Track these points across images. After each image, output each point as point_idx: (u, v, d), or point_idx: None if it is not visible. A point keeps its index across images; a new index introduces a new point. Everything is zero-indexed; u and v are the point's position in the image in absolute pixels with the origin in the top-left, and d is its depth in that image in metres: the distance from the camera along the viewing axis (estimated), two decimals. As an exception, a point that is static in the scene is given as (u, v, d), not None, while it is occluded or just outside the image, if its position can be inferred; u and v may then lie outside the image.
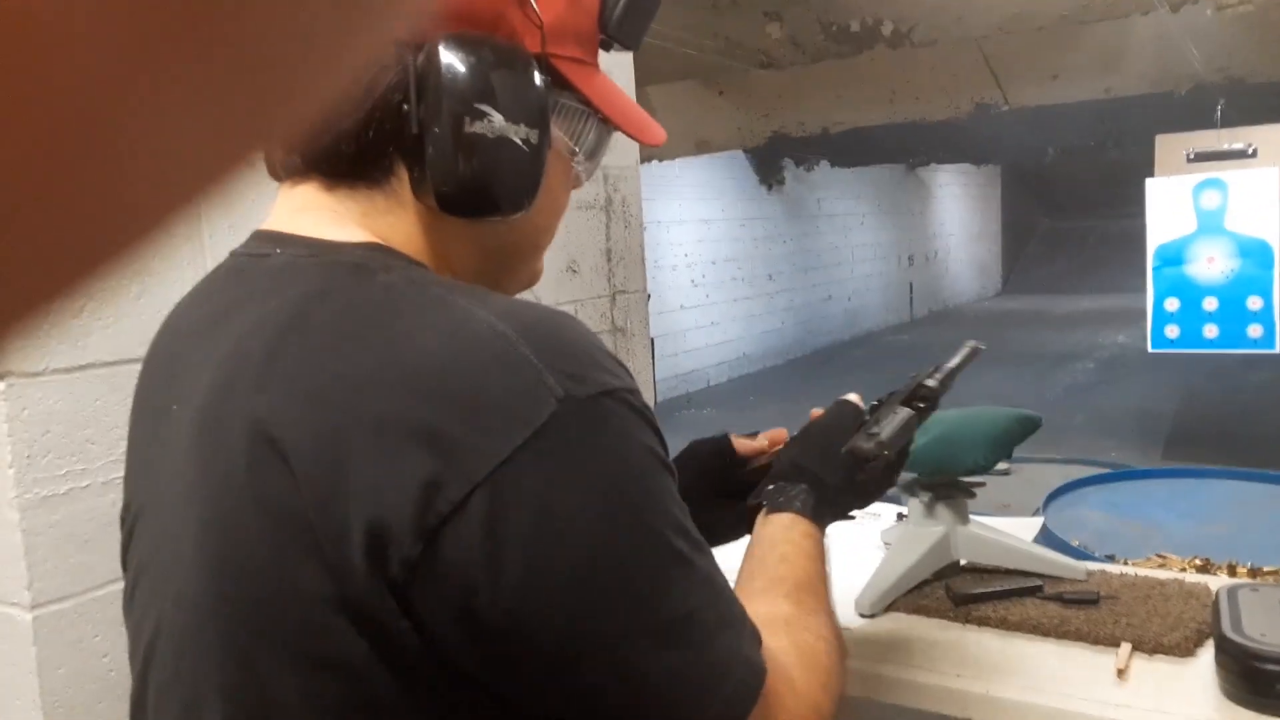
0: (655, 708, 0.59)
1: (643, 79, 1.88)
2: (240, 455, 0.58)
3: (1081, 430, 6.71)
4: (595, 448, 0.57)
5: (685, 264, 9.73)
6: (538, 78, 0.68)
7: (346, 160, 0.67)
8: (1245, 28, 4.00)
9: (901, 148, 10.19)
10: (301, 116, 0.17)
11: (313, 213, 0.68)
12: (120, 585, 1.04)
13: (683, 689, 0.59)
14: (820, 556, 0.85)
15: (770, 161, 10.83)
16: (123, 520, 0.75)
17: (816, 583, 0.81)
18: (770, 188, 11.21)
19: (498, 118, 0.66)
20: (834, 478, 0.92)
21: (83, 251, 0.15)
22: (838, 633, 0.78)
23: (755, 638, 0.64)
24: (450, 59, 0.65)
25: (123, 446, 0.77)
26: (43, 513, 0.97)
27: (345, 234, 0.67)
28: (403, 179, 0.68)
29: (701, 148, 6.62)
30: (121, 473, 0.80)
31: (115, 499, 1.03)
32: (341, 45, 0.16)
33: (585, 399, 0.57)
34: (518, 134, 0.67)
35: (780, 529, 0.86)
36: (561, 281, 1.70)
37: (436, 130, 0.65)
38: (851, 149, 8.86)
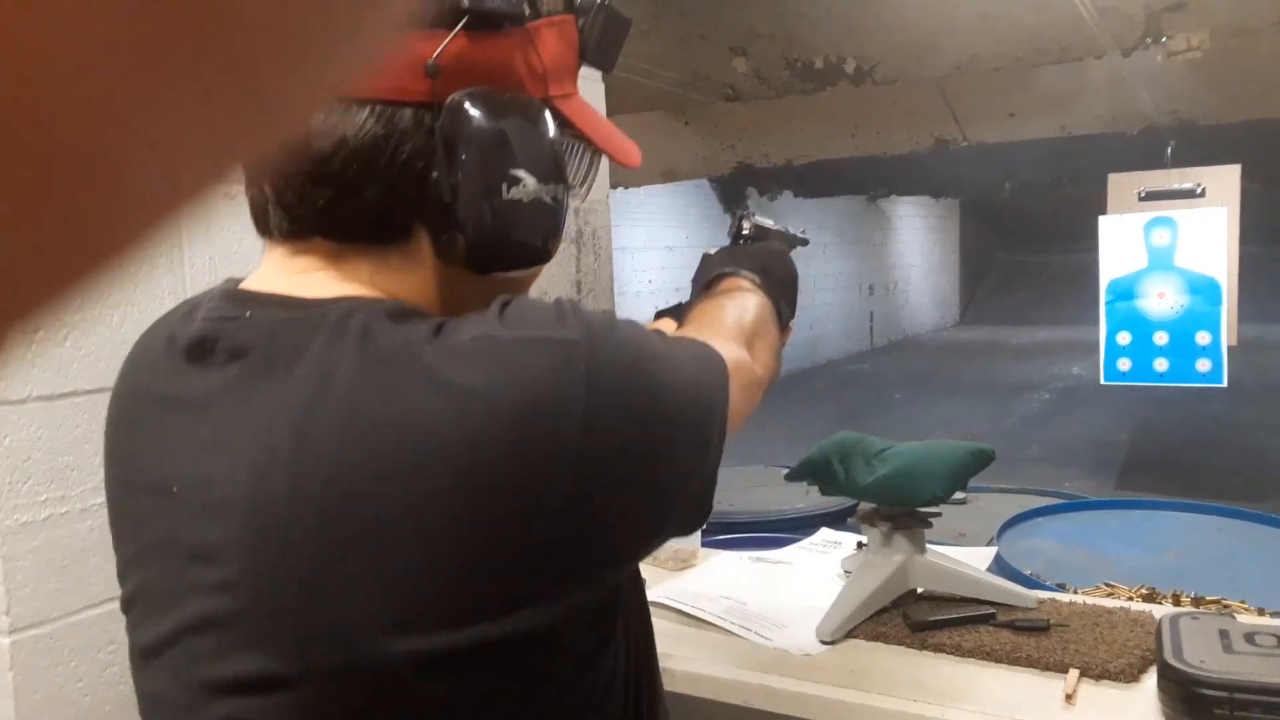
0: None
1: (611, 108, 1.93)
2: (311, 542, 0.58)
3: (1037, 460, 6.83)
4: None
5: (650, 290, 9.78)
6: (552, 128, 0.70)
7: (364, 225, 0.67)
8: (1194, 73, 4.15)
9: (863, 180, 10.35)
10: (288, 131, 0.17)
11: (315, 274, 0.67)
12: (96, 610, 1.05)
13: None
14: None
15: (734, 190, 10.95)
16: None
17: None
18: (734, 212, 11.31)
19: (530, 180, 0.68)
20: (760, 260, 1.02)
21: (68, 260, 0.15)
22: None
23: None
24: (478, 124, 0.65)
25: (101, 474, 0.76)
26: (22, 539, 0.99)
27: (335, 292, 0.65)
28: (423, 240, 0.68)
29: (668, 176, 6.69)
30: (100, 499, 0.81)
31: (93, 525, 1.04)
32: (326, 61, 0.16)
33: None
34: (548, 193, 0.69)
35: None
36: (532, 312, 1.73)
37: (471, 198, 0.66)
38: (814, 180, 8.99)
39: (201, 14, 0.14)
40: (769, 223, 1.15)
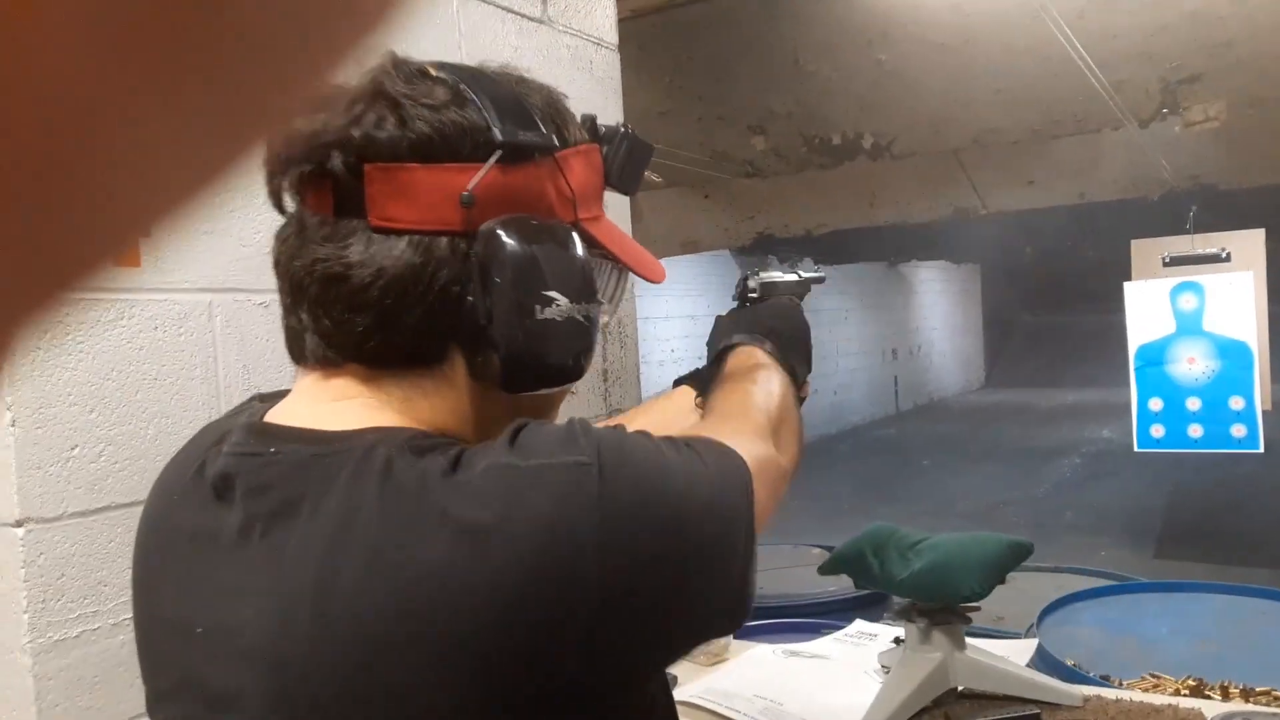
0: None
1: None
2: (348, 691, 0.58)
3: (1071, 528, 6.71)
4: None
5: (673, 359, 9.80)
6: (581, 250, 0.71)
7: (400, 351, 0.67)
8: (1213, 139, 4.17)
9: (883, 247, 10.41)
10: (277, 133, 0.16)
11: (346, 403, 0.67)
12: (127, 729, 1.04)
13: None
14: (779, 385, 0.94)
15: (756, 259, 11.01)
16: None
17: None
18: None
19: (564, 301, 0.69)
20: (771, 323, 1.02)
21: (51, 269, 0.15)
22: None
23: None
24: (512, 249, 0.66)
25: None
26: (54, 656, 0.98)
27: (365, 422, 0.66)
28: (457, 363, 0.69)
29: (688, 248, 6.75)
30: (129, 614, 0.81)
31: (124, 640, 1.04)
32: (316, 65, 0.16)
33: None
34: (580, 312, 0.70)
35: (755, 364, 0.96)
36: (559, 403, 1.73)
37: (507, 321, 0.67)
38: (834, 248, 9.04)
39: (184, 18, 0.14)
40: (776, 275, 1.13)
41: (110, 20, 0.13)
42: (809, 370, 1.03)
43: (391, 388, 0.68)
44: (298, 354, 0.71)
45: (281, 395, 0.73)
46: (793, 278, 1.15)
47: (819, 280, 1.18)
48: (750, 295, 1.11)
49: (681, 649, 0.69)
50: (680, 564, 0.63)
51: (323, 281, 0.66)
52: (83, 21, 0.13)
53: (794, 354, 1.00)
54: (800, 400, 0.97)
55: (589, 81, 1.83)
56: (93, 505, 1.03)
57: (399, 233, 0.65)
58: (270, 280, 0.70)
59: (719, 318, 1.08)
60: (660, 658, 0.68)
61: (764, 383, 0.92)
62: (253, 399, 0.78)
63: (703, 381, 1.02)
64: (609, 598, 0.59)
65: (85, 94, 0.14)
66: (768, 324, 1.02)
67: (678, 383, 1.07)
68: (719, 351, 1.02)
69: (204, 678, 0.64)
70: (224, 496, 0.66)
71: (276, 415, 0.70)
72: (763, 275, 1.13)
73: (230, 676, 0.62)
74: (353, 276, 0.65)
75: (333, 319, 0.66)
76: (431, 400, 0.68)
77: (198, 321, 1.10)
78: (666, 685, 0.77)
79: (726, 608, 0.68)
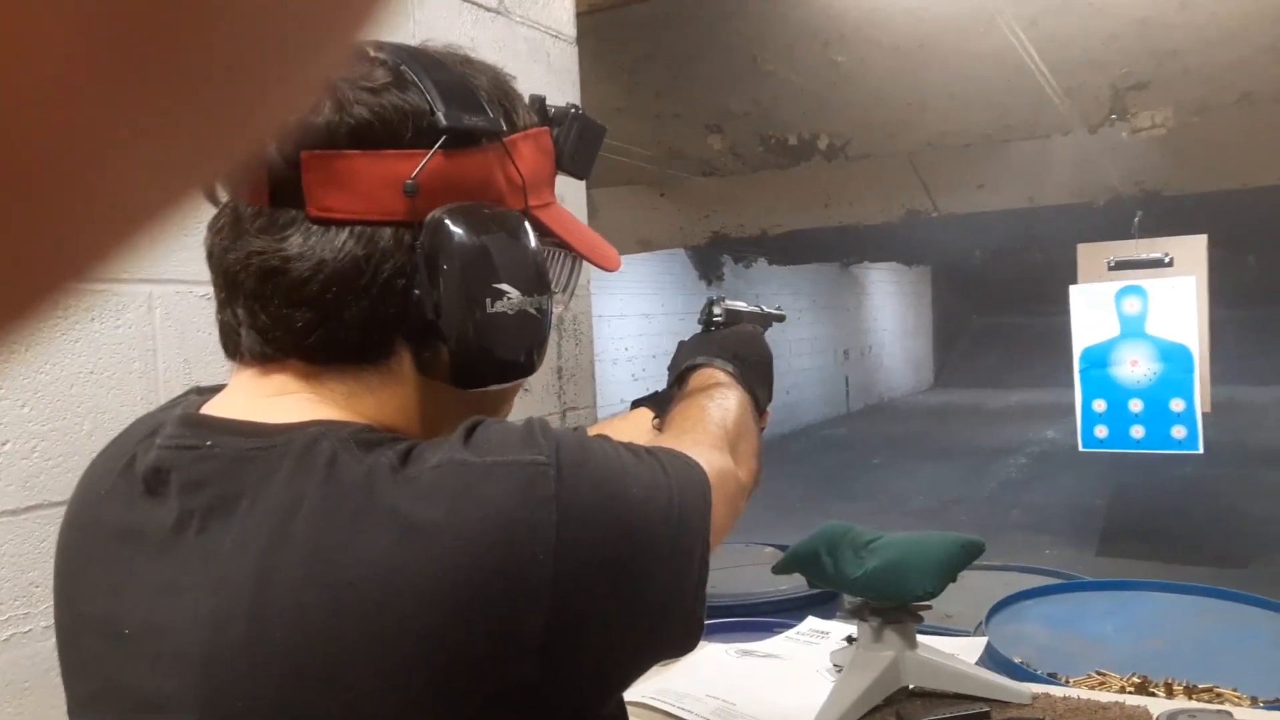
0: None
1: (588, 184, 1.94)
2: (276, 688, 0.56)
3: (1017, 526, 6.82)
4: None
5: (626, 358, 9.79)
6: (533, 240, 0.69)
7: (343, 346, 0.64)
8: (1159, 146, 4.26)
9: (836, 248, 10.51)
10: (247, 155, 0.17)
11: (286, 398, 0.64)
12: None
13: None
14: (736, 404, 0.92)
15: (710, 258, 11.06)
16: None
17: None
18: (710, 283, 11.41)
19: (515, 293, 0.67)
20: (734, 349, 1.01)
21: (29, 275, 0.15)
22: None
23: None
24: (460, 239, 0.64)
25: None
26: (-19, 661, 0.94)
27: (307, 415, 0.63)
28: (403, 359, 0.66)
29: (643, 246, 6.75)
30: None
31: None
32: (287, 89, 0.16)
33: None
34: (532, 305, 0.68)
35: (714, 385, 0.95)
36: (513, 400, 1.71)
37: (456, 315, 0.64)
38: (788, 248, 9.11)
39: (170, 27, 0.14)
40: (740, 305, 1.14)
41: (89, 37, 0.13)
42: (770, 398, 1.02)
43: (334, 384, 0.65)
44: (233, 350, 0.68)
45: (220, 389, 0.70)
46: (756, 309, 1.16)
47: (779, 318, 1.20)
48: (715, 320, 1.11)
49: (637, 664, 0.67)
50: (636, 568, 0.61)
51: (259, 275, 0.63)
52: (63, 36, 0.13)
53: (756, 379, 0.99)
54: (760, 428, 0.96)
55: (546, 74, 1.81)
56: (24, 503, 0.99)
57: (339, 223, 0.62)
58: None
59: (682, 342, 1.07)
60: (616, 673, 0.65)
61: (721, 399, 0.91)
62: (189, 392, 0.75)
63: (661, 404, 1.01)
64: (563, 600, 0.57)
65: (64, 108, 0.13)
66: (731, 348, 1.01)
67: (635, 404, 1.05)
68: (680, 372, 1.01)
69: (131, 681, 0.61)
70: (156, 491, 0.63)
71: (213, 408, 0.66)
72: (728, 302, 1.13)
73: (159, 680, 0.59)
74: (291, 270, 0.62)
75: (270, 314, 0.63)
76: (377, 396, 0.66)
77: (137, 313, 1.07)
78: (622, 705, 0.75)
79: (680, 620, 0.66)
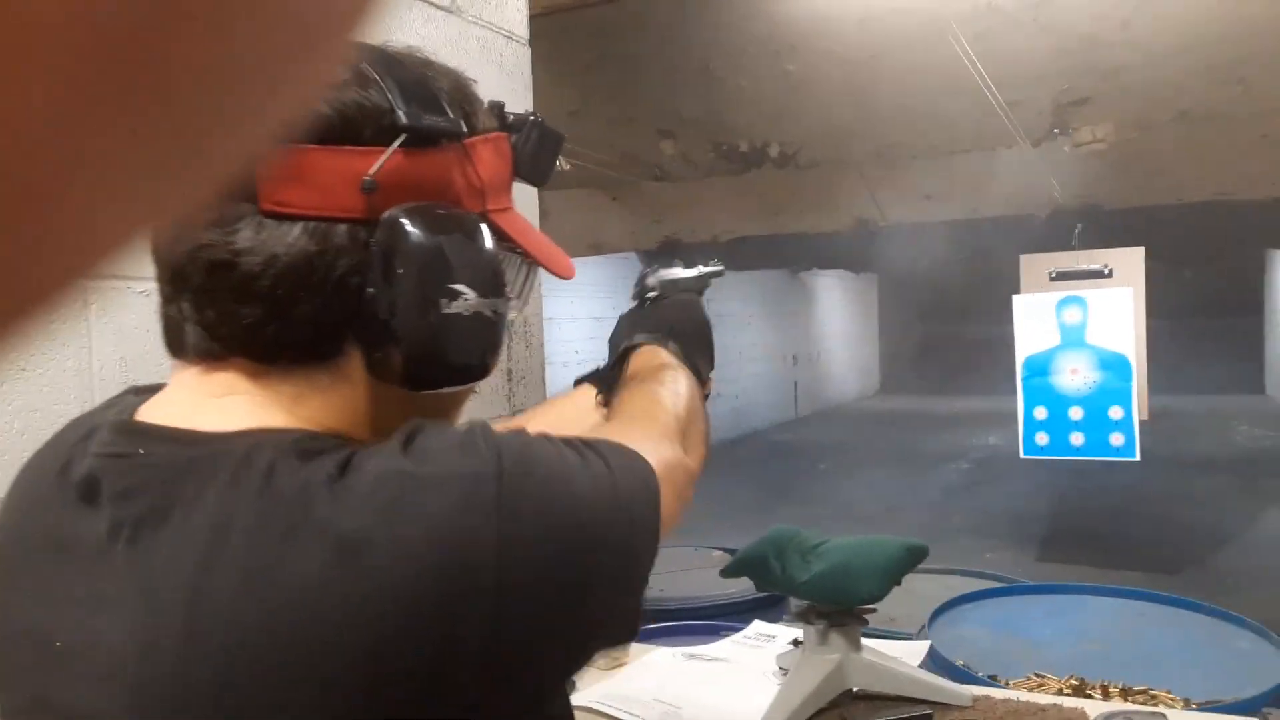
0: None
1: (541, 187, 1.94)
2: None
3: (960, 531, 6.93)
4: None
5: (577, 360, 9.77)
6: (490, 242, 0.68)
7: (291, 345, 0.63)
8: (1099, 160, 4.36)
9: (786, 255, 10.60)
10: (218, 180, 0.16)
11: (228, 400, 0.63)
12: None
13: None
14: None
15: (661, 262, 11.08)
16: None
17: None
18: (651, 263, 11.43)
19: (471, 295, 0.66)
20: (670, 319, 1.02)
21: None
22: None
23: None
24: (416, 239, 0.63)
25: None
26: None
27: (249, 421, 0.61)
28: (353, 359, 0.64)
29: (595, 249, 6.75)
30: None
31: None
32: (259, 109, 0.16)
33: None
34: (488, 307, 0.67)
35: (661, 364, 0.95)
36: (461, 402, 1.70)
37: (410, 315, 0.63)
38: (739, 254, 9.16)
39: (136, 60, 0.14)
40: (675, 273, 1.12)
41: (72, 57, 0.13)
42: (711, 367, 1.03)
43: (280, 384, 0.63)
44: (176, 346, 0.65)
45: (159, 389, 0.68)
46: (692, 273, 1.14)
47: (718, 274, 1.17)
48: (650, 294, 1.09)
49: (580, 660, 0.67)
50: (582, 573, 0.60)
51: (207, 269, 0.60)
52: (48, 57, 0.13)
53: (697, 352, 0.99)
54: (704, 397, 0.97)
55: (498, 75, 1.80)
56: (-50, 503, 0.95)
57: (293, 218, 0.61)
58: (153, 267, 0.64)
59: (621, 316, 1.06)
60: (562, 669, 0.65)
61: (671, 384, 0.90)
62: (127, 392, 0.72)
63: (604, 380, 1.01)
64: (507, 608, 0.56)
65: (47, 127, 0.13)
66: (669, 323, 1.01)
67: (579, 381, 1.05)
68: (621, 351, 1.00)
69: (60, 697, 0.59)
70: (89, 500, 0.60)
71: (150, 412, 0.64)
72: (662, 273, 1.11)
73: (88, 696, 0.57)
74: (241, 264, 0.60)
75: (217, 309, 0.61)
76: (325, 397, 0.64)
77: (71, 309, 1.04)
78: (568, 704, 0.74)
79: (625, 616, 0.66)
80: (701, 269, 1.15)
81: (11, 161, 0.13)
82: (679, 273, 1.13)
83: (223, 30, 0.14)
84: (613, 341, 1.03)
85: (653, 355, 0.97)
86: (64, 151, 0.14)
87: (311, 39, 0.16)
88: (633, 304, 1.11)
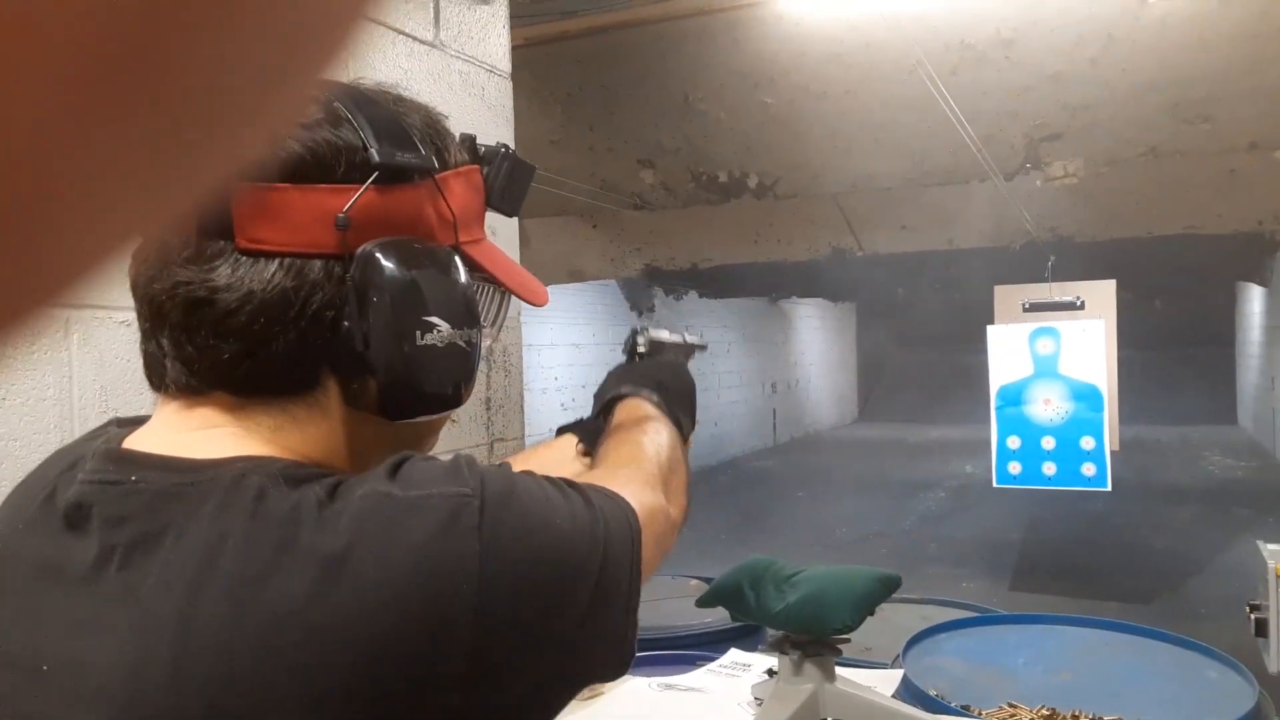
0: None
1: (520, 214, 1.96)
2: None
3: (935, 559, 6.96)
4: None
5: (556, 388, 9.77)
6: (463, 274, 0.70)
7: (270, 379, 0.64)
8: (1071, 194, 4.44)
9: (765, 283, 10.68)
10: (210, 187, 0.16)
11: (211, 431, 0.64)
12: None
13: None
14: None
15: (641, 289, 11.13)
16: None
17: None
18: (641, 314, 11.48)
19: (445, 326, 0.67)
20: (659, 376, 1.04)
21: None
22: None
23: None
24: (390, 273, 0.64)
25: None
26: (-127, 698, 0.90)
27: (232, 451, 0.62)
28: (330, 391, 0.66)
29: (575, 276, 6.78)
30: None
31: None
32: (253, 117, 0.16)
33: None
34: (461, 338, 0.69)
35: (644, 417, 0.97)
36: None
37: (386, 347, 0.65)
38: (718, 282, 9.22)
39: (133, 69, 0.14)
40: (664, 335, 1.16)
41: (71, 65, 0.13)
42: (694, 426, 1.05)
43: (260, 416, 0.65)
44: (157, 381, 0.67)
45: (142, 421, 0.69)
46: (679, 339, 1.18)
47: (702, 348, 1.23)
48: (639, 351, 1.13)
49: (561, 692, 0.67)
50: (562, 598, 0.62)
51: (185, 306, 0.62)
52: (46, 62, 0.13)
53: (680, 408, 1.01)
54: (684, 453, 0.98)
55: (480, 107, 1.82)
56: (-74, 532, 0.95)
57: (269, 255, 0.62)
58: (155, 230, 0.65)
59: (609, 372, 1.09)
60: (540, 698, 0.65)
61: (654, 434, 0.92)
62: (109, 423, 0.74)
63: (587, 431, 1.02)
64: (487, 631, 0.57)
65: (37, 140, 0.13)
66: (655, 378, 1.03)
67: (561, 431, 1.07)
68: (606, 401, 1.02)
69: (47, 719, 0.59)
70: (77, 526, 0.61)
71: (136, 442, 0.65)
72: (652, 333, 1.15)
73: (78, 719, 0.58)
74: (219, 301, 0.62)
75: (196, 345, 0.63)
76: (304, 429, 0.65)
77: (52, 338, 1.04)
78: None
79: (608, 655, 0.67)
80: (688, 338, 1.20)
81: (4, 168, 0.13)
82: (667, 335, 1.17)
83: (217, 36, 0.15)
84: (598, 394, 1.05)
85: (637, 407, 0.99)
86: (51, 160, 0.14)
87: (302, 50, 0.16)
88: (622, 359, 1.14)
